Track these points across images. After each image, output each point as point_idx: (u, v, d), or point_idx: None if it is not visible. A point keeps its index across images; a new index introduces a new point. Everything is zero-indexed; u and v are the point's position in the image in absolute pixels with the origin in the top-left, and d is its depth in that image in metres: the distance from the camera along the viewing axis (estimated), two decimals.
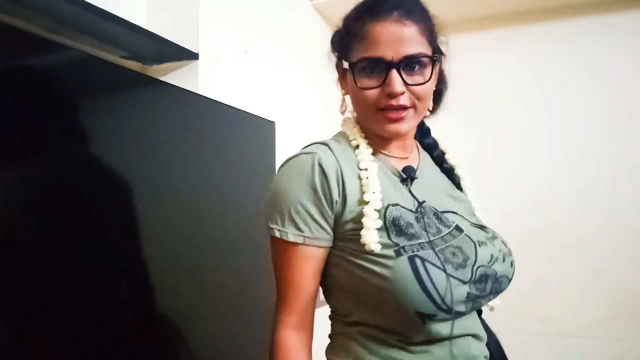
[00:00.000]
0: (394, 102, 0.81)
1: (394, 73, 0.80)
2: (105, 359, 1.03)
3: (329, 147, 0.83)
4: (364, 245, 0.77)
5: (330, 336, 0.90)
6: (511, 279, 0.86)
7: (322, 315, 0.91)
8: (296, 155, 0.84)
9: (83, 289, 0.99)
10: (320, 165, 0.80)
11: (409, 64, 0.81)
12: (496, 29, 2.42)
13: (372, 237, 0.77)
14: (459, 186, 0.99)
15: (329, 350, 0.88)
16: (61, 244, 0.95)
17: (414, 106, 0.83)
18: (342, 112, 0.93)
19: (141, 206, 1.14)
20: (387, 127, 0.83)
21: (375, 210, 0.78)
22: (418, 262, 0.75)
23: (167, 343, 1.23)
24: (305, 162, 0.81)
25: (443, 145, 1.02)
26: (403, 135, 0.88)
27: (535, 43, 2.37)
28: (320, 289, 0.89)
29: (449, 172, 0.99)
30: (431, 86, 0.85)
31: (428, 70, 0.82)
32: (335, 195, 0.79)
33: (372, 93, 0.82)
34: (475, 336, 0.85)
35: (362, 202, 0.79)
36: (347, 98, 0.91)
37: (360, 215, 0.79)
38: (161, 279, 1.20)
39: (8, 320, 0.85)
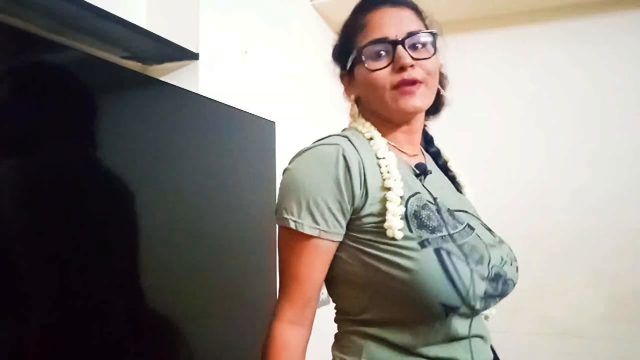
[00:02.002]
0: (405, 76, 0.82)
1: (400, 49, 0.83)
2: (104, 359, 1.03)
3: (349, 139, 0.83)
4: (385, 233, 0.76)
5: (337, 335, 0.88)
6: (516, 283, 0.87)
7: (324, 313, 0.90)
8: (316, 146, 0.82)
9: (81, 289, 0.99)
10: (345, 158, 0.79)
11: (412, 42, 0.84)
12: (495, 29, 2.42)
13: (396, 223, 0.76)
14: (460, 193, 1.00)
15: (337, 348, 0.86)
16: (60, 244, 0.95)
17: (425, 81, 0.84)
18: (352, 116, 0.93)
19: (141, 206, 1.14)
20: (402, 102, 0.83)
21: (398, 196, 0.78)
22: (444, 254, 0.75)
23: (168, 342, 1.23)
24: (328, 153, 0.80)
25: (446, 153, 1.03)
26: (417, 113, 0.88)
27: (534, 43, 2.37)
28: (325, 289, 0.89)
29: (452, 180, 1.01)
30: (437, 62, 0.87)
31: (431, 48, 0.85)
32: (358, 189, 0.78)
33: (383, 74, 0.84)
34: (483, 337, 0.85)
35: (385, 189, 0.79)
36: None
37: (383, 201, 0.78)
38: (161, 279, 1.19)
39: (10, 322, 0.85)
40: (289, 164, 0.83)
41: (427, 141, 1.02)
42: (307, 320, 0.82)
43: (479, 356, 0.81)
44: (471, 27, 2.41)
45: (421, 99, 0.84)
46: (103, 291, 1.04)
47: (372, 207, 0.79)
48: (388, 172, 0.80)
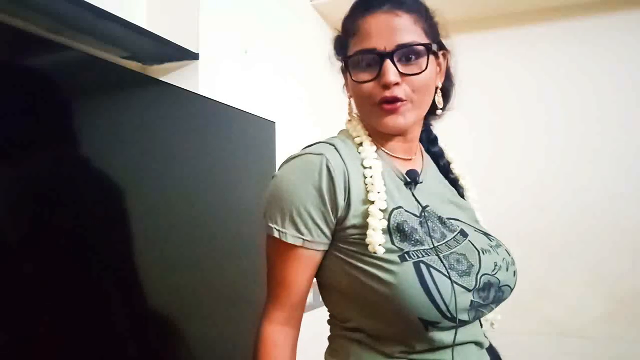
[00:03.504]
0: (387, 94, 0.79)
1: (388, 63, 0.78)
2: (103, 357, 1.03)
3: (336, 148, 0.81)
4: (367, 246, 0.75)
5: (329, 338, 0.89)
6: (513, 288, 0.85)
7: (320, 316, 0.91)
8: (302, 154, 0.81)
9: (80, 289, 0.99)
10: (328, 168, 0.77)
11: (404, 54, 0.79)
12: (494, 29, 2.42)
13: (377, 238, 0.75)
14: (462, 196, 0.97)
15: (329, 353, 0.87)
16: (60, 244, 0.95)
17: (410, 99, 0.81)
18: (349, 114, 0.91)
19: (141, 206, 1.14)
20: (384, 121, 0.81)
21: (380, 210, 0.76)
22: (423, 268, 0.74)
23: (167, 343, 1.23)
24: (312, 163, 0.78)
25: (450, 154, 1.00)
26: (403, 130, 0.85)
27: (533, 43, 2.37)
28: (318, 291, 0.89)
29: (454, 182, 0.98)
30: (429, 77, 0.82)
31: (424, 60, 0.81)
32: (341, 200, 0.77)
33: (368, 87, 0.80)
34: (477, 343, 0.84)
35: (367, 202, 0.78)
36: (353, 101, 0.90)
37: (365, 215, 0.77)
38: (160, 279, 1.20)
39: (10, 324, 0.85)
40: (277, 170, 0.83)
41: (430, 141, 0.99)
42: (295, 321, 0.83)
43: None
44: (470, 27, 2.41)
45: (405, 117, 0.81)
46: (103, 290, 1.04)
47: (354, 219, 0.78)
48: (372, 183, 0.78)
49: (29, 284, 0.89)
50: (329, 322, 0.89)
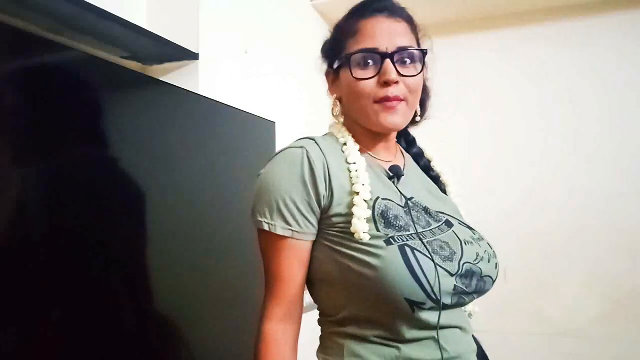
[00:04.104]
0: (389, 92, 0.83)
1: (388, 62, 0.83)
2: (106, 358, 1.03)
3: (316, 142, 0.85)
4: (353, 234, 0.78)
5: (320, 338, 0.89)
6: (494, 280, 0.87)
7: (313, 317, 0.91)
8: (284, 150, 0.85)
9: (79, 289, 0.99)
10: (309, 159, 0.81)
11: (402, 57, 0.84)
12: (494, 29, 2.42)
13: (361, 226, 0.78)
14: (444, 192, 1.01)
15: (321, 350, 0.88)
16: (59, 243, 0.95)
17: (406, 99, 0.85)
18: (334, 113, 0.94)
19: (140, 206, 1.14)
20: (382, 117, 0.85)
21: (364, 200, 0.80)
22: (408, 250, 0.77)
23: (167, 342, 1.23)
24: (294, 155, 0.83)
25: (428, 153, 1.04)
26: (398, 129, 0.90)
27: (533, 43, 2.38)
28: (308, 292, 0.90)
29: (435, 179, 1.01)
30: (421, 80, 0.88)
31: (419, 65, 0.86)
32: (322, 189, 0.81)
33: (368, 84, 0.84)
34: (461, 328, 0.86)
35: (352, 193, 0.81)
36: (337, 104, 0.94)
37: (350, 205, 0.80)
38: (161, 279, 1.20)
39: (14, 321, 0.86)
40: (262, 168, 0.86)
41: (409, 142, 1.04)
42: (295, 317, 0.84)
43: (452, 346, 0.82)
44: (470, 27, 2.41)
45: (401, 116, 0.86)
46: (101, 289, 1.04)
47: (339, 207, 0.81)
48: (357, 176, 0.82)
49: (27, 283, 0.89)
50: (319, 321, 0.90)
